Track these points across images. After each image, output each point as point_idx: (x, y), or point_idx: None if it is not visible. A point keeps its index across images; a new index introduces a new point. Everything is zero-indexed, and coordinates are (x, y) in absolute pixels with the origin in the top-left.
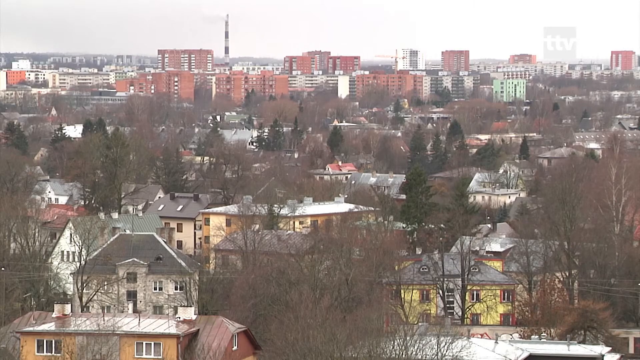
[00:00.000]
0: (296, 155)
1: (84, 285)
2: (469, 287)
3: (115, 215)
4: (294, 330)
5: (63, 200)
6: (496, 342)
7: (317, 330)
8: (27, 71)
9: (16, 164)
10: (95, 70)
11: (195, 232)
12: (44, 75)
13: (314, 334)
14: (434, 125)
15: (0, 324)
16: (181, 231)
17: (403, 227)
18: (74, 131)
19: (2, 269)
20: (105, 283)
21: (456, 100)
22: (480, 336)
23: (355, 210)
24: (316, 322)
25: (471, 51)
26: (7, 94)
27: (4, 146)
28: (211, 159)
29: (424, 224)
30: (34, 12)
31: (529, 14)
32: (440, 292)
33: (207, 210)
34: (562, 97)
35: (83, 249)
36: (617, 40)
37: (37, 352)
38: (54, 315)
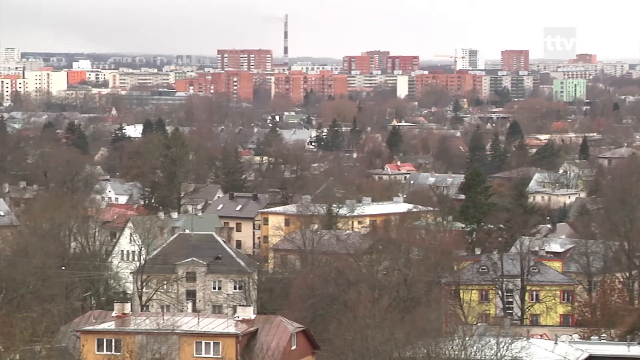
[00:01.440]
0: (355, 155)
1: (144, 284)
2: (528, 288)
3: (174, 215)
4: (352, 330)
5: (123, 199)
6: (555, 343)
7: (375, 330)
8: (88, 71)
9: (76, 163)
10: (155, 70)
11: (254, 232)
12: (104, 75)
13: (372, 334)
14: (493, 125)
15: (60, 323)
16: (240, 231)
17: (462, 227)
18: (133, 131)
19: (63, 268)
20: (165, 282)
21: (516, 100)
22: (539, 337)
23: (414, 210)
24: (374, 322)
25: (531, 51)
26: (68, 94)
27: (64, 146)
28: (270, 158)
29: (483, 224)
30: (94, 13)
31: (589, 15)
32: (500, 292)
33: (266, 210)
34: (623, 97)
35: (143, 249)
36: None
37: (97, 351)
38: (113, 314)
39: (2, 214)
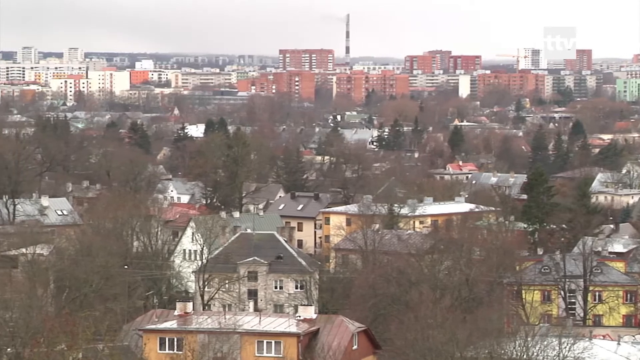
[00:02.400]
0: (416, 155)
1: (206, 283)
2: (591, 288)
3: (236, 214)
4: (413, 330)
5: (185, 199)
6: (618, 344)
7: (437, 330)
8: (150, 71)
9: (139, 163)
10: (217, 70)
11: (315, 232)
12: (166, 75)
13: (434, 334)
14: (556, 124)
15: (123, 321)
16: (301, 230)
17: (524, 227)
18: (196, 130)
19: (126, 267)
20: (227, 281)
21: (578, 99)
22: (602, 337)
23: (476, 210)
24: (436, 322)
25: (594, 50)
26: (131, 93)
27: (127, 145)
28: (331, 158)
29: (545, 224)
30: (157, 13)
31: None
32: (562, 293)
33: (327, 209)
34: None
35: (204, 248)
36: None
37: (159, 349)
38: (175, 313)
39: (66, 213)
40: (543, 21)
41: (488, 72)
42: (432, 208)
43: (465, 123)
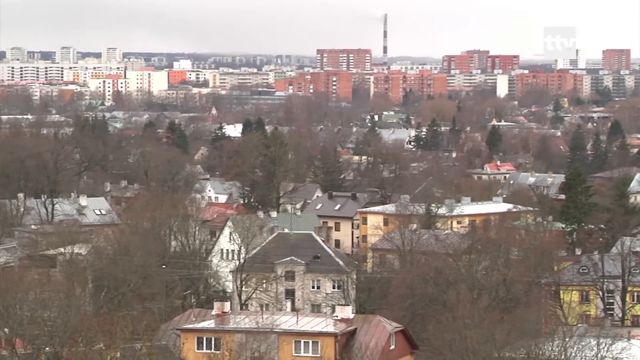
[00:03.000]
0: (454, 155)
1: (243, 283)
2: (629, 289)
3: (273, 214)
4: (451, 330)
5: (223, 198)
6: None
7: (474, 330)
8: (188, 71)
9: (177, 162)
10: (255, 70)
11: (352, 231)
12: (204, 75)
13: (471, 334)
14: (594, 124)
15: (161, 321)
16: (339, 230)
17: (562, 227)
18: (233, 130)
19: (163, 266)
20: (264, 281)
21: (617, 99)
22: None
23: (514, 210)
24: (474, 322)
25: (632, 50)
26: (169, 93)
27: (165, 145)
28: (369, 158)
29: (583, 224)
30: (195, 13)
31: None
32: (600, 293)
33: (364, 209)
34: None
35: (242, 248)
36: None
37: (197, 349)
38: (213, 312)
39: (104, 212)
40: (582, 19)
41: (526, 71)
42: (470, 208)
43: (503, 123)
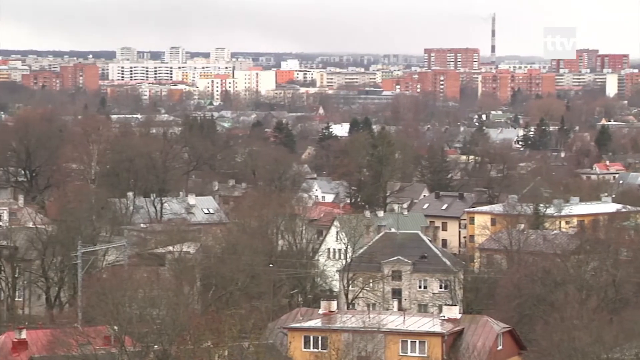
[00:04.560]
0: (562, 155)
1: (350, 282)
2: None
3: (380, 214)
4: (559, 330)
5: (329, 198)
6: None
7: (583, 331)
8: (296, 71)
9: (284, 162)
10: (362, 70)
11: (459, 231)
12: (312, 74)
13: (579, 335)
14: None
15: (268, 319)
16: (446, 230)
17: None
18: (340, 130)
19: (271, 265)
20: (371, 281)
21: None
22: None
23: (623, 210)
24: (582, 323)
25: None
26: (276, 93)
27: (272, 144)
28: (476, 157)
29: None
30: (303, 13)
31: None
32: None
33: (472, 209)
34: None
35: (349, 247)
36: None
37: (304, 348)
38: (320, 312)
39: (212, 211)
40: None
41: (636, 70)
42: (579, 208)
43: (612, 122)
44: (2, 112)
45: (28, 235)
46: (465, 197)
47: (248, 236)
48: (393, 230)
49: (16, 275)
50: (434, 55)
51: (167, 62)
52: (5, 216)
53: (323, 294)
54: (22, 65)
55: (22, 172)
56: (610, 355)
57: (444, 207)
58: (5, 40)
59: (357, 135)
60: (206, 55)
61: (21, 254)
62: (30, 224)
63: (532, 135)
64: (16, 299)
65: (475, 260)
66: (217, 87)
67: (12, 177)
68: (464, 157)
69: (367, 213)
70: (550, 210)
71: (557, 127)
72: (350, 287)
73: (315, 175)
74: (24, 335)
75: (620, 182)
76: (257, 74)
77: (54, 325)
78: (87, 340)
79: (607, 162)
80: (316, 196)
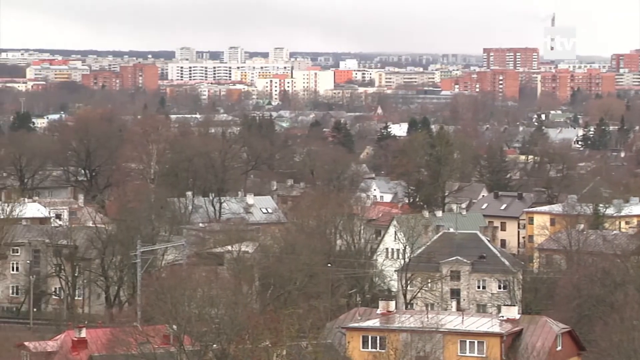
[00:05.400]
0: (622, 155)
1: (408, 282)
2: None
3: (439, 214)
4: (619, 331)
5: (388, 198)
6: None
7: None
8: (354, 70)
9: (343, 161)
10: (421, 69)
11: (518, 231)
12: (370, 74)
13: (639, 336)
14: None
15: (326, 319)
16: (505, 230)
17: None
18: (399, 129)
19: (329, 265)
20: (429, 281)
21: None
22: None
23: None
24: None
25: None
26: (335, 92)
27: (331, 144)
28: (535, 157)
29: None
30: (361, 13)
31: None
32: None
33: (531, 209)
34: None
35: (407, 247)
36: None
37: (362, 347)
38: (378, 311)
39: (270, 211)
40: None
41: None
42: (639, 208)
43: None
44: (62, 112)
45: (88, 234)
46: (524, 197)
47: (306, 236)
48: (451, 230)
49: (76, 274)
50: (492, 55)
51: (226, 62)
52: (66, 215)
53: (381, 293)
54: (82, 65)
55: (82, 171)
56: None
57: (503, 207)
58: (66, 40)
59: (415, 135)
60: (265, 55)
61: (81, 253)
62: (90, 223)
63: (591, 135)
64: (76, 298)
65: (534, 261)
66: (276, 86)
67: (72, 176)
68: (523, 157)
69: (426, 213)
70: (610, 211)
71: (616, 127)
72: (408, 287)
73: (373, 175)
74: (83, 334)
75: None
76: (315, 73)
77: (114, 324)
78: (146, 339)
79: None
80: (374, 196)
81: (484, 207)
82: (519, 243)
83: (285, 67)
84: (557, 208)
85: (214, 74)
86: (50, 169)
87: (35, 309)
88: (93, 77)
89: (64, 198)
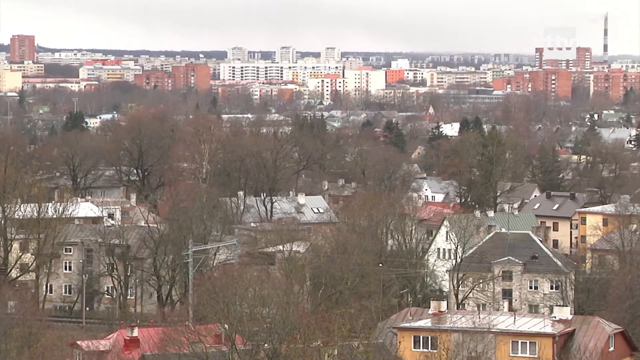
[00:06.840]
0: None
1: (460, 282)
2: None
3: (490, 214)
4: None
5: (439, 198)
6: None
7: None
8: (406, 70)
9: (394, 161)
10: (473, 69)
11: (571, 232)
12: (422, 74)
13: None
14: None
15: (378, 319)
16: (557, 230)
17: None
18: (450, 129)
19: (380, 265)
20: (481, 281)
21: None
22: None
23: None
24: None
25: None
26: (386, 92)
27: (382, 144)
28: (588, 157)
29: None
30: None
31: None
32: None
33: (583, 209)
34: None
35: (459, 247)
36: None
37: (414, 348)
38: (430, 312)
39: (322, 211)
40: None
41: None
42: None
43: None
44: (115, 112)
45: (140, 233)
46: (576, 197)
47: (358, 235)
48: (503, 230)
49: (128, 274)
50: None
51: (277, 62)
52: (118, 215)
53: (433, 293)
54: (135, 65)
55: (135, 171)
56: None
57: (555, 207)
58: (118, 40)
59: (467, 135)
60: (316, 55)
61: (133, 252)
62: (143, 223)
63: None
64: (128, 297)
65: (586, 261)
66: (327, 86)
67: (124, 176)
68: (575, 157)
69: (477, 213)
70: None
71: None
72: (460, 287)
73: (425, 175)
74: (135, 333)
75: None
76: (367, 73)
77: (166, 323)
78: (198, 338)
79: None
80: (426, 196)
81: (536, 207)
82: (571, 243)
83: (336, 67)
84: (609, 208)
85: (266, 73)
86: (102, 168)
87: (87, 308)
88: (145, 77)
89: (116, 198)
